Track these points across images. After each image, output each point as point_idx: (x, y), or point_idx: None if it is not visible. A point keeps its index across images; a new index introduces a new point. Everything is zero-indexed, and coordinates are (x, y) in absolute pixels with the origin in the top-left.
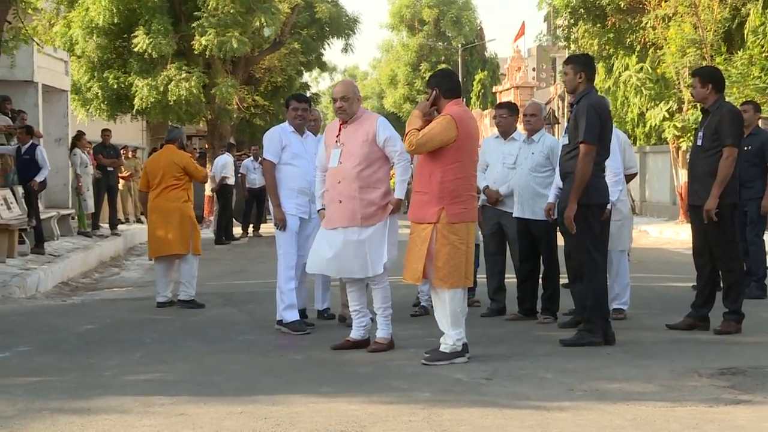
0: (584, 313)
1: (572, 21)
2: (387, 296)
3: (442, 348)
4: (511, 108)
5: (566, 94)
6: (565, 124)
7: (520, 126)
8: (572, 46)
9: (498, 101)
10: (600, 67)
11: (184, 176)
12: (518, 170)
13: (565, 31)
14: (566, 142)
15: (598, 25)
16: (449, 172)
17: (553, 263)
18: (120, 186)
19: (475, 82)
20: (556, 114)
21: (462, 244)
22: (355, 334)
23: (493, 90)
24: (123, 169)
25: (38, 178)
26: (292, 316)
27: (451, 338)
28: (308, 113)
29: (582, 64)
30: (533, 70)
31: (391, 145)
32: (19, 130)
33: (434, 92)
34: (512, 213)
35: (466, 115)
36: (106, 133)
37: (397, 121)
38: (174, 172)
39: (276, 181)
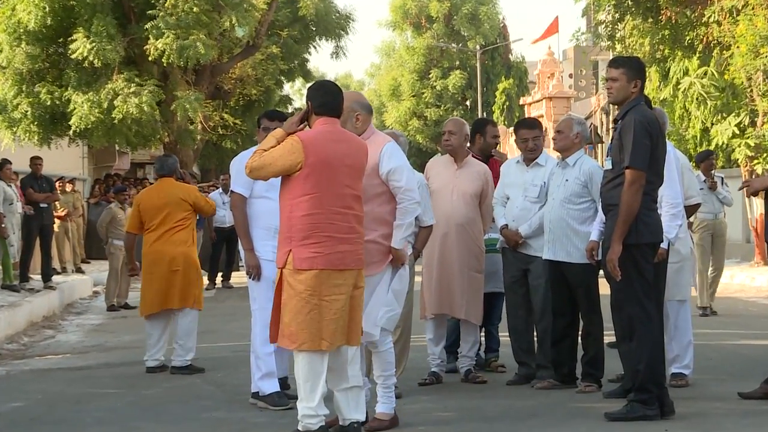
0: (635, 379)
1: (617, 15)
2: (389, 362)
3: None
4: (531, 126)
5: (610, 106)
6: (609, 144)
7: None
8: (618, 47)
9: (527, 115)
10: (653, 72)
11: (192, 214)
12: (550, 201)
13: (609, 28)
14: (609, 166)
15: (650, 20)
16: (297, 207)
17: (595, 317)
18: (55, 227)
19: (497, 93)
20: (599, 131)
21: (313, 297)
22: None
23: (521, 102)
24: (58, 205)
25: None
26: (271, 387)
27: (299, 412)
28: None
29: (637, 69)
30: (570, 76)
31: (395, 179)
32: None
33: (308, 106)
34: (538, 256)
35: (327, 137)
36: (36, 161)
37: None
38: (181, 210)
39: (247, 218)
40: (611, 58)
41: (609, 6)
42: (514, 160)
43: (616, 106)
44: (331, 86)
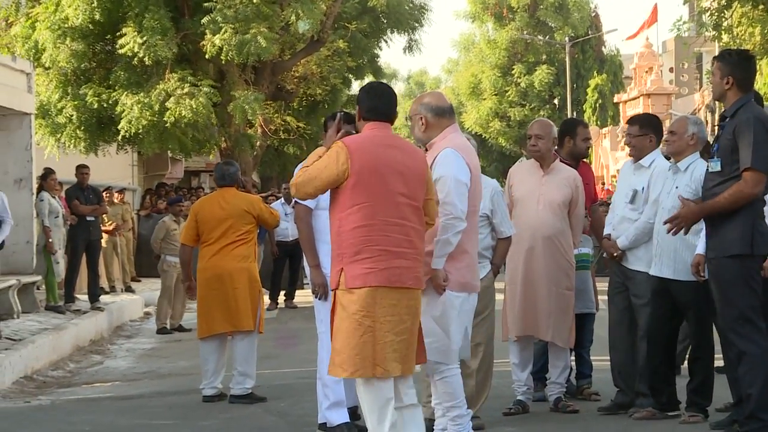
0: (746, 408)
1: (724, 2)
2: (448, 392)
3: None
4: (643, 122)
5: (716, 103)
6: (715, 144)
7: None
8: (725, 37)
9: (622, 114)
10: (764, 66)
11: (255, 227)
12: (659, 211)
13: (715, 17)
14: (717, 168)
15: (761, 7)
16: (346, 221)
17: (704, 340)
18: (103, 242)
19: (589, 90)
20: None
21: (367, 319)
22: None
23: (615, 99)
24: (106, 218)
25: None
26: (340, 417)
27: None
28: None
29: (732, 64)
30: (670, 71)
31: (438, 189)
32: None
33: (357, 112)
34: (638, 271)
35: (375, 142)
36: (82, 170)
37: (482, 145)
38: (244, 223)
39: (313, 232)
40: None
41: None
42: (628, 162)
43: (718, 101)
44: (382, 88)
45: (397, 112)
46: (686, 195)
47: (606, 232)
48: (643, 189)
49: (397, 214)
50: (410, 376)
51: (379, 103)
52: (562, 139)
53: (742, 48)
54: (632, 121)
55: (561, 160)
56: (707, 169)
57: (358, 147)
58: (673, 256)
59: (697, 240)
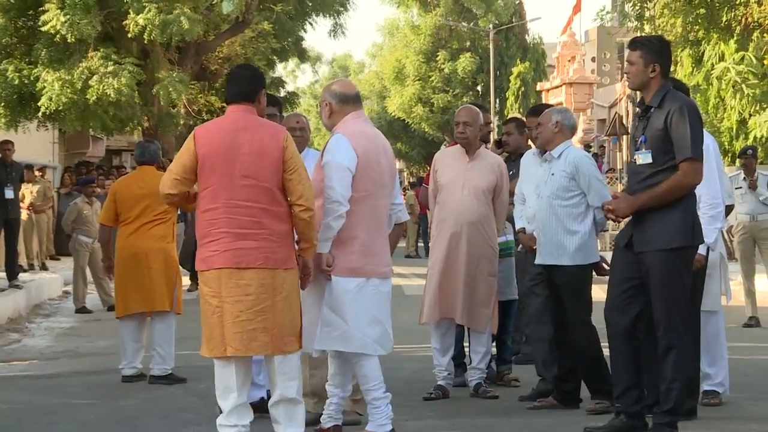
0: (667, 400)
1: None
2: (363, 375)
3: None
4: (536, 113)
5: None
6: (637, 136)
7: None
8: (647, 27)
9: (544, 102)
10: (685, 57)
11: (174, 208)
12: (539, 200)
13: (637, 7)
14: (648, 160)
15: None
16: (199, 206)
17: (587, 325)
18: (23, 218)
19: (512, 77)
20: (624, 121)
21: (214, 299)
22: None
23: (538, 88)
24: (27, 195)
25: None
26: (255, 396)
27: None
28: (277, 120)
29: (656, 52)
30: (592, 60)
31: (324, 174)
32: None
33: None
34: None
35: (226, 125)
36: (6, 146)
37: (405, 130)
38: (162, 202)
39: None
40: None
41: None
42: (532, 151)
43: (634, 91)
44: (238, 72)
45: (258, 92)
46: (563, 179)
47: (519, 225)
48: None
49: (243, 196)
50: (292, 370)
51: (235, 86)
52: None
53: (657, 34)
54: (536, 111)
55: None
56: (633, 161)
57: (204, 132)
58: (554, 242)
59: (578, 226)
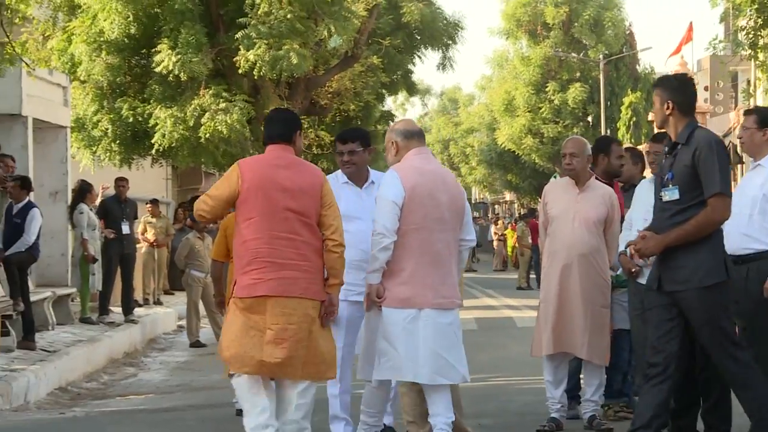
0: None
1: (761, 21)
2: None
3: None
4: (658, 140)
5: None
6: (664, 173)
7: None
8: (761, 56)
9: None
10: None
11: None
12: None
13: (751, 35)
14: (675, 196)
15: None
16: (240, 235)
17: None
18: (142, 254)
19: (623, 107)
20: (738, 150)
21: (259, 322)
22: None
23: (650, 118)
24: (149, 230)
25: (11, 250)
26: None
27: None
28: (360, 156)
29: (671, 89)
30: (705, 89)
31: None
32: (12, 183)
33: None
34: None
35: (267, 162)
36: (121, 182)
37: (516, 161)
38: None
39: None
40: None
41: (751, 10)
42: (649, 179)
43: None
44: (274, 115)
45: (294, 133)
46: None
47: (621, 249)
48: None
49: (286, 228)
50: (310, 392)
51: (272, 128)
52: (596, 157)
53: (681, 72)
54: (659, 138)
55: (596, 179)
56: (659, 198)
57: (249, 166)
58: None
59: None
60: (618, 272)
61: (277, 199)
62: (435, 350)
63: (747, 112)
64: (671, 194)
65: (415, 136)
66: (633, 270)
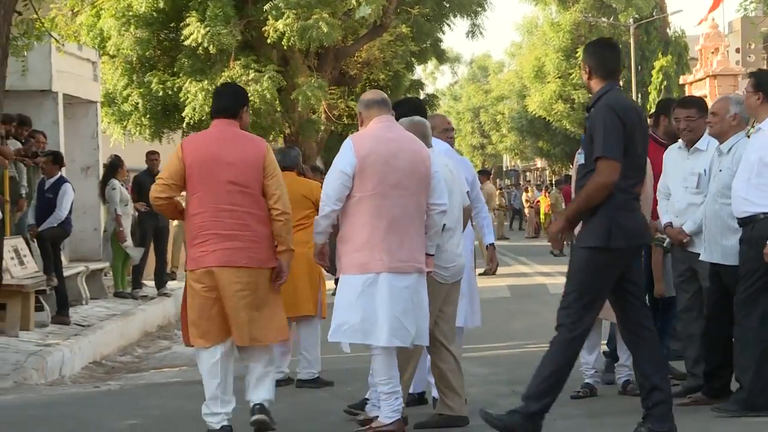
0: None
1: None
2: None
3: None
4: (701, 105)
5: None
6: (582, 137)
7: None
8: None
9: (687, 95)
10: None
11: (314, 213)
12: (707, 195)
13: None
14: (582, 161)
15: None
16: (187, 210)
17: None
18: (172, 227)
19: (654, 72)
20: None
21: (211, 292)
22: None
23: (681, 81)
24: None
25: (44, 225)
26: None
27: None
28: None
29: (587, 52)
30: (737, 51)
31: None
32: (44, 159)
33: None
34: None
35: (209, 136)
36: (152, 156)
37: (547, 128)
38: (302, 208)
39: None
40: None
41: None
42: (676, 146)
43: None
44: (220, 89)
45: (241, 109)
46: (729, 178)
47: (665, 220)
48: (705, 171)
49: (229, 201)
50: (267, 350)
51: (219, 103)
52: (657, 117)
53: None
54: (688, 104)
55: (659, 139)
56: (576, 162)
57: (191, 144)
58: (720, 241)
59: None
60: (666, 241)
61: (219, 173)
62: (392, 313)
63: (749, 75)
64: (580, 159)
65: (375, 104)
66: (684, 240)
